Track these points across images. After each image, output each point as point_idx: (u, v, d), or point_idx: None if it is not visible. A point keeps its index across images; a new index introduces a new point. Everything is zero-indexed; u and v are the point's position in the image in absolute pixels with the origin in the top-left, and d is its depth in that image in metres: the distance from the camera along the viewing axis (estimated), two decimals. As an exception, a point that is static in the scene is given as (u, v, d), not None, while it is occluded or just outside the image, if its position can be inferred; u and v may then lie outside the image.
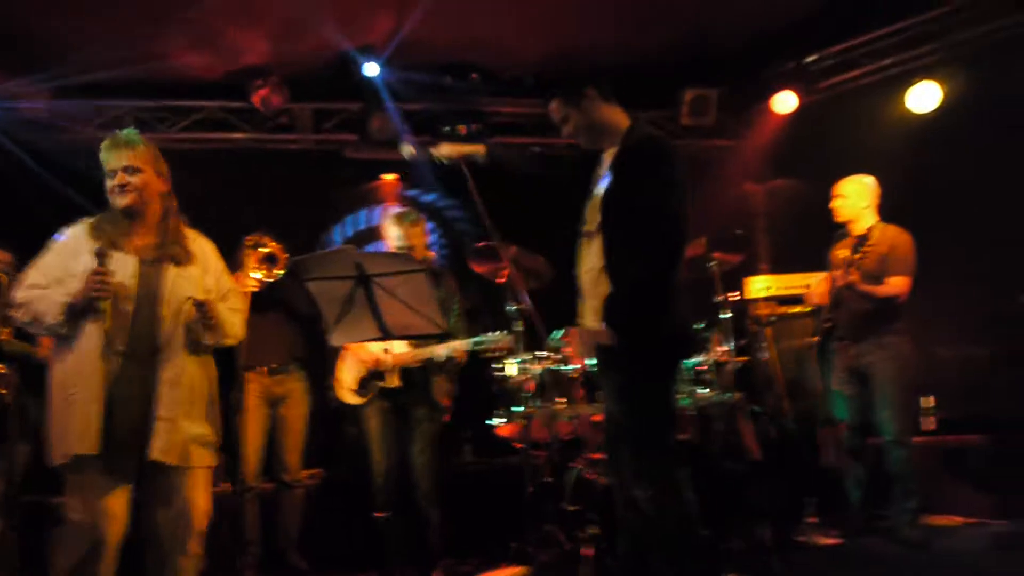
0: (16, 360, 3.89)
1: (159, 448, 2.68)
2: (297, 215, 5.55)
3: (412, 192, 6.10)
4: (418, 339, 3.83)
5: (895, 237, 4.24)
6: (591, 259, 2.82)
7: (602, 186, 2.81)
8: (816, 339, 4.48)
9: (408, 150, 3.21)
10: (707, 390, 4.04)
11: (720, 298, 4.11)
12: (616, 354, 2.75)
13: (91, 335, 2.64)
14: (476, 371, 4.38)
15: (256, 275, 4.17)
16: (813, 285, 4.53)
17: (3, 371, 3.81)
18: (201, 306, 2.79)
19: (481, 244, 4.09)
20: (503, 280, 4.17)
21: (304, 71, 5.33)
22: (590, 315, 2.85)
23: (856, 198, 4.34)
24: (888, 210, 4.36)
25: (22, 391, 3.86)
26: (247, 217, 4.84)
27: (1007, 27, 4.89)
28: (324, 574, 4.47)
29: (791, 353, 4.80)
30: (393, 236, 4.18)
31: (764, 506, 3.97)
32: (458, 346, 3.97)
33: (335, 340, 2.94)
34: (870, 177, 4.38)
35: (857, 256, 4.12)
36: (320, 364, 4.53)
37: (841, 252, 4.29)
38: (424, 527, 4.13)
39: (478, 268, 4.20)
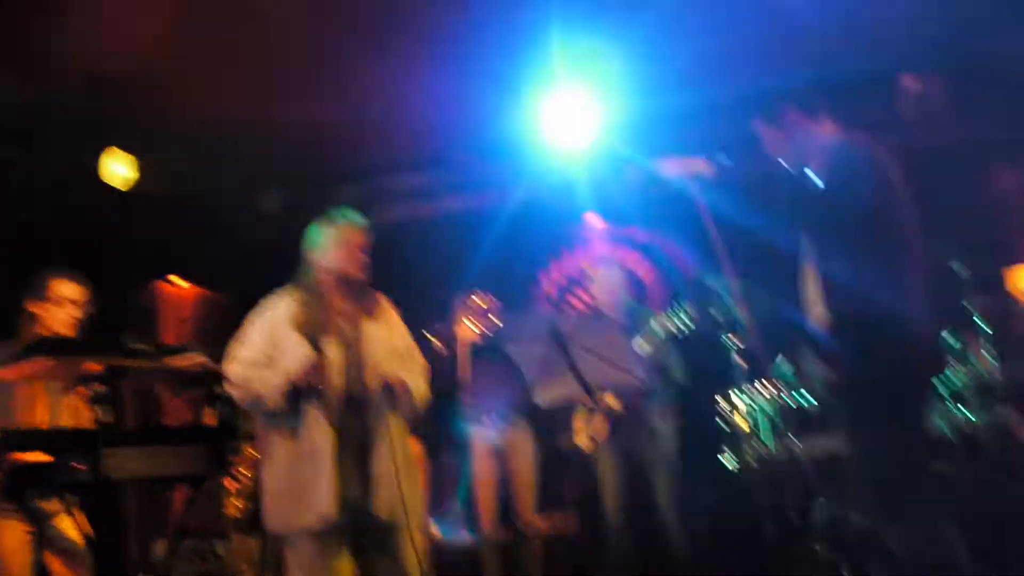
0: None
1: (379, 506, 2.82)
2: (504, 265, 5.70)
3: (613, 228, 6.06)
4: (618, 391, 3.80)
5: None
6: (812, 284, 2.68)
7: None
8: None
9: (635, 170, 3.19)
10: (969, 410, 3.55)
11: (972, 301, 3.61)
12: (845, 388, 2.53)
13: (312, 412, 2.82)
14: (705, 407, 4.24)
15: (474, 330, 4.31)
16: None
17: None
18: (390, 388, 2.91)
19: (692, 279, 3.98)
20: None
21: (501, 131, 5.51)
22: None
23: None
24: None
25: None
26: (462, 273, 5.07)
27: None
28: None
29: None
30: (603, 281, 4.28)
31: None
32: (647, 339, 3.94)
33: (540, 398, 2.96)
34: None
35: None
36: (545, 413, 4.60)
37: None
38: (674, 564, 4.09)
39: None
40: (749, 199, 2.96)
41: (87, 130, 4.69)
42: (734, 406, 3.98)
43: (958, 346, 3.71)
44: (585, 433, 4.27)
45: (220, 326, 5.85)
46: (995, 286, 4.88)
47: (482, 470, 4.45)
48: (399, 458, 2.90)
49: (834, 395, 2.64)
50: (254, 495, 4.34)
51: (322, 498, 2.75)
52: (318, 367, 2.80)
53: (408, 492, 2.89)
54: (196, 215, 5.47)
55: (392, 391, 2.91)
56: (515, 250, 5.99)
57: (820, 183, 2.65)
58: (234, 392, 2.92)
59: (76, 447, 2.72)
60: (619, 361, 2.86)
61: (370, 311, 3.02)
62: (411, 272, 5.44)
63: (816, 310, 2.64)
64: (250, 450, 4.24)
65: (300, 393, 2.81)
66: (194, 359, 3.03)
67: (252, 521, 4.30)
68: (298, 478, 2.80)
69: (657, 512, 4.15)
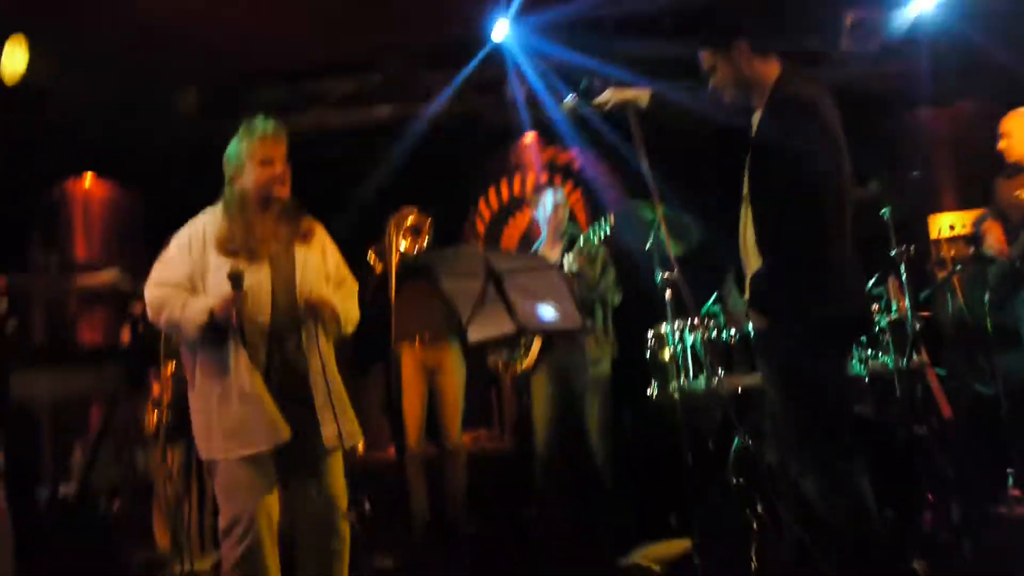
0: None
1: (330, 435, 2.74)
2: (441, 184, 5.56)
3: (551, 151, 5.94)
4: (554, 332, 3.77)
5: None
6: (748, 228, 2.60)
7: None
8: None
9: (570, 101, 3.03)
10: (883, 354, 3.67)
11: (897, 251, 3.67)
12: (770, 337, 2.53)
13: (236, 347, 2.67)
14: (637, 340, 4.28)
15: (401, 246, 4.21)
16: (987, 230, 4.02)
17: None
18: (312, 307, 2.77)
19: (621, 208, 3.92)
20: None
21: (437, 38, 5.24)
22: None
23: None
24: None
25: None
26: (392, 190, 4.90)
27: None
28: (493, 539, 4.54)
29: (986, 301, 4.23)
30: (547, 205, 4.22)
31: (957, 478, 3.60)
32: (573, 256, 3.95)
33: (472, 336, 2.89)
34: None
35: None
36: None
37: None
38: (597, 489, 4.15)
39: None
40: (689, 133, 2.88)
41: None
42: (661, 337, 3.98)
43: (881, 292, 3.78)
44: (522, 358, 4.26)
45: (134, 228, 5.57)
46: (920, 231, 5.02)
47: (410, 387, 4.45)
48: (332, 383, 2.81)
49: (759, 337, 2.63)
50: (175, 407, 4.24)
51: (259, 433, 2.66)
52: (240, 302, 2.62)
53: (341, 418, 2.79)
54: (110, 113, 5.10)
55: (317, 313, 2.77)
56: (452, 165, 5.83)
57: (757, 131, 2.55)
58: (152, 316, 2.74)
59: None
60: (552, 301, 2.80)
61: (303, 236, 2.86)
62: (339, 185, 5.25)
63: (750, 251, 2.59)
64: (172, 366, 4.10)
65: (220, 327, 2.65)
66: (107, 277, 2.83)
67: (174, 432, 4.21)
68: (230, 413, 2.67)
69: (585, 436, 4.20)
